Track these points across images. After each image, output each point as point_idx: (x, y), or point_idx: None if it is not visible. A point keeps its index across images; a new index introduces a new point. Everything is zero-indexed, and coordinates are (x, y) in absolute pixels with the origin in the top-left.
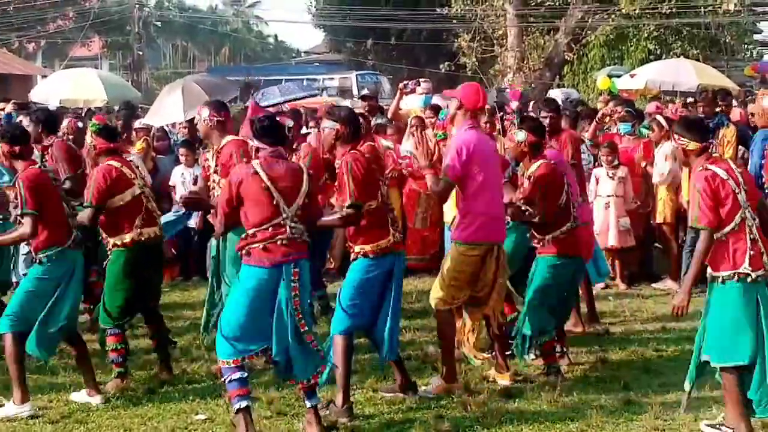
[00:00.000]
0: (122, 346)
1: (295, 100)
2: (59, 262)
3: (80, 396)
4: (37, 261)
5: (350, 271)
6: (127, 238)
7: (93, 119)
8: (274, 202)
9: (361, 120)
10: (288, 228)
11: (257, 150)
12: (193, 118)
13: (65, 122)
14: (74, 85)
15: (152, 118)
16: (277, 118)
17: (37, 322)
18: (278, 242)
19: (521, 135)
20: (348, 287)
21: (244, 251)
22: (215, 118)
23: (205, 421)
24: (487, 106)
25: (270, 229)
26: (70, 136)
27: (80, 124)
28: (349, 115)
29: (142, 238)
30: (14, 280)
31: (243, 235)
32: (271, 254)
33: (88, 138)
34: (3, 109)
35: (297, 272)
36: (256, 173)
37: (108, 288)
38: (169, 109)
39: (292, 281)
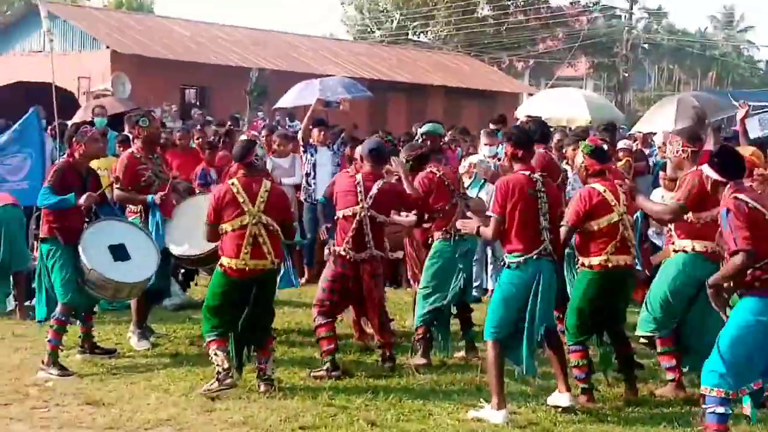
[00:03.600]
0: (584, 362)
1: None
2: (525, 270)
3: (555, 399)
4: (507, 265)
5: None
6: (595, 261)
7: (587, 140)
8: None
9: None
10: None
11: (726, 184)
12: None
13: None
14: (559, 104)
15: (642, 126)
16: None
17: (520, 331)
18: None
19: None
20: None
21: (755, 284)
22: (688, 148)
23: None
24: None
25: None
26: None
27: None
28: None
29: (609, 265)
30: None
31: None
32: None
33: (580, 158)
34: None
35: None
36: (757, 208)
37: (570, 304)
38: (660, 118)
39: None
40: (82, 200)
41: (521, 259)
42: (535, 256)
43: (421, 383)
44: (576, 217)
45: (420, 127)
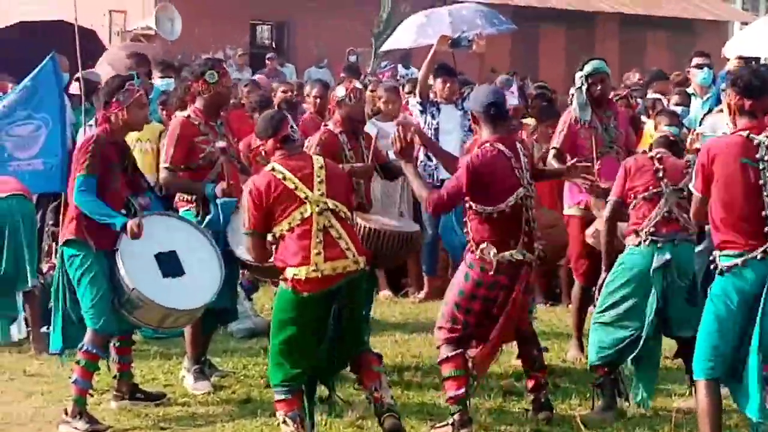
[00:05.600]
0: None
1: None
2: (742, 276)
3: None
4: (718, 269)
5: None
6: None
7: None
8: None
9: None
10: None
11: None
12: None
13: None
14: None
15: None
16: None
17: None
18: None
19: None
20: None
21: None
22: None
23: None
24: None
25: None
26: None
27: None
28: None
29: None
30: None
31: None
32: None
33: None
34: None
35: None
36: None
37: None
38: None
39: None
40: (132, 224)
41: (738, 260)
42: (758, 256)
43: None
44: None
45: (580, 69)
